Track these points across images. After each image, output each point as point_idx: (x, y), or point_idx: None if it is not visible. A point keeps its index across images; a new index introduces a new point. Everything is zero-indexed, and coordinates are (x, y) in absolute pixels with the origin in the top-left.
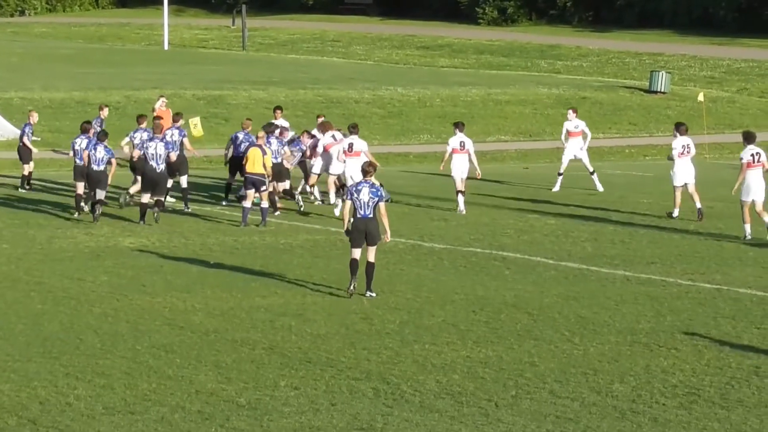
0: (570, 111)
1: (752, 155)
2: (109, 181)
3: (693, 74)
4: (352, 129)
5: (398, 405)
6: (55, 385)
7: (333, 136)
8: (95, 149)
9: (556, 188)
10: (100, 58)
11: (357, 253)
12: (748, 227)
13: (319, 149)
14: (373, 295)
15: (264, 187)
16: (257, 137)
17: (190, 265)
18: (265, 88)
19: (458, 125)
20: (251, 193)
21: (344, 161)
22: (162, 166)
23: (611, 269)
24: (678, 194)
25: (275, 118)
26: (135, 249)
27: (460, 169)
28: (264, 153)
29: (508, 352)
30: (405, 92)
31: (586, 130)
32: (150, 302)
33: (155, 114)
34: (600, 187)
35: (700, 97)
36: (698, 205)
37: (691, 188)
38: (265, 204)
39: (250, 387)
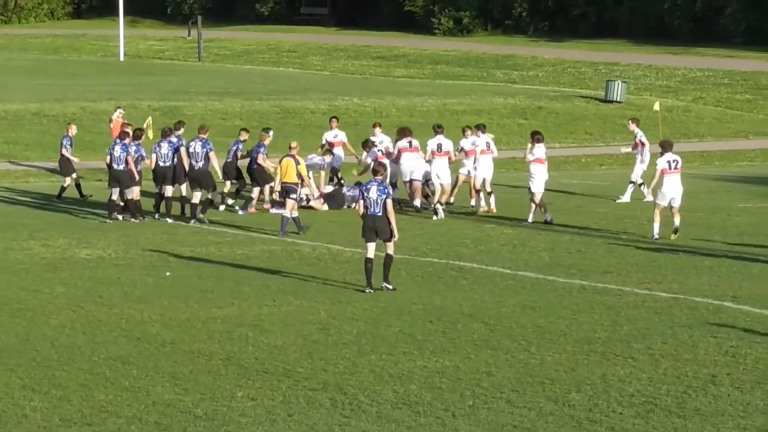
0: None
1: (668, 162)
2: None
3: (649, 83)
4: (438, 129)
5: (355, 415)
6: (11, 397)
7: (409, 142)
8: (125, 149)
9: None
10: (56, 69)
11: (371, 249)
12: (657, 227)
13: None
14: (390, 287)
15: (294, 195)
16: (290, 147)
17: (146, 276)
18: (221, 98)
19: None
20: (291, 201)
21: (429, 161)
22: (200, 164)
23: (568, 279)
24: (658, 213)
25: (331, 128)
26: (92, 260)
27: (440, 173)
28: (297, 163)
29: (465, 362)
30: (361, 102)
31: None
32: (107, 314)
33: (112, 125)
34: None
35: (656, 107)
36: (677, 223)
37: (676, 208)
38: (294, 213)
39: (207, 398)
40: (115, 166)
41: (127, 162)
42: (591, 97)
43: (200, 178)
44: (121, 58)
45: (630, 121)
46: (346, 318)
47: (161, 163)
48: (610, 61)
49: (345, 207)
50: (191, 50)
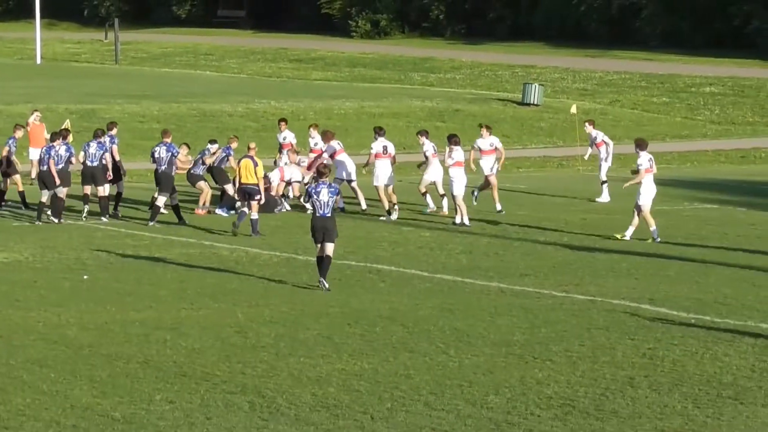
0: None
1: (650, 160)
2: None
3: (566, 86)
4: (380, 131)
5: (274, 418)
6: None
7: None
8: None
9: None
10: None
11: (328, 248)
12: (654, 227)
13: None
14: (326, 285)
15: (258, 197)
16: (248, 148)
17: (63, 279)
18: (139, 101)
19: (378, 130)
20: (254, 203)
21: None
22: (164, 167)
23: (486, 281)
24: (645, 215)
25: (280, 130)
26: (8, 263)
27: (384, 175)
28: (256, 164)
29: (384, 364)
30: (278, 105)
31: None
32: (23, 317)
33: (29, 128)
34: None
35: (573, 109)
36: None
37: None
38: (254, 215)
39: (125, 401)
40: (41, 168)
41: (57, 163)
42: (508, 100)
43: (162, 181)
44: (38, 61)
45: (587, 123)
46: (264, 321)
47: (89, 163)
48: (527, 63)
49: (275, 211)
50: (108, 53)
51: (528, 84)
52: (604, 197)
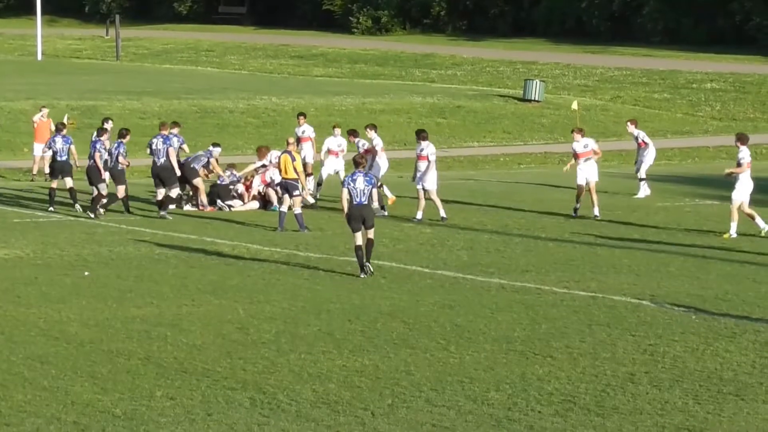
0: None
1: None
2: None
3: (567, 82)
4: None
5: (274, 415)
6: None
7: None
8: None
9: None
10: None
11: (360, 237)
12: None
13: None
14: (370, 267)
15: (297, 192)
16: (287, 143)
17: (65, 276)
18: (139, 98)
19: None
20: (287, 197)
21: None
22: (162, 160)
23: (486, 277)
24: (735, 209)
25: (299, 124)
26: (9, 260)
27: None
28: (293, 159)
29: (384, 360)
30: (279, 102)
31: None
32: (25, 313)
33: (36, 125)
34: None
35: (574, 106)
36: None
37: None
38: (297, 210)
39: (126, 397)
40: (58, 158)
41: (69, 153)
42: (509, 96)
43: (161, 174)
44: (39, 57)
45: (629, 123)
46: (265, 317)
47: (58, 158)
48: (529, 60)
49: (271, 209)
50: (109, 49)
51: (529, 80)
52: (642, 192)
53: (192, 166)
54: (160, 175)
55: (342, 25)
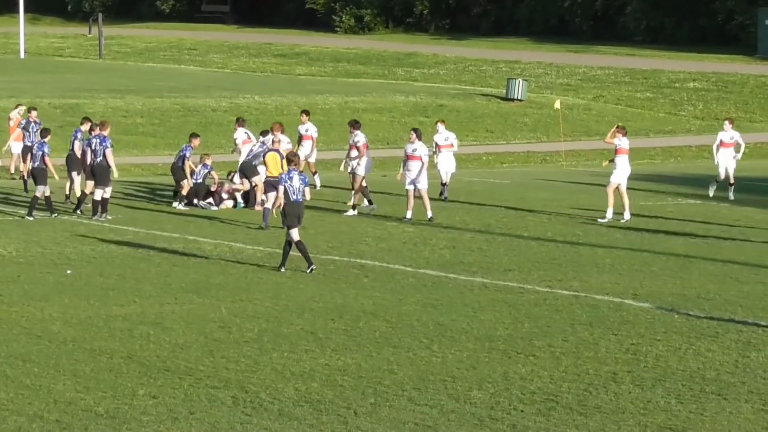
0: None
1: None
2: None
3: (549, 82)
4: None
5: (257, 413)
6: None
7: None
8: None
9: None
10: None
11: (296, 233)
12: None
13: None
14: (314, 267)
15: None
16: (273, 142)
17: (47, 274)
18: (122, 96)
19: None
20: (272, 195)
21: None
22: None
23: (469, 276)
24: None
25: (302, 122)
26: None
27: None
28: (282, 157)
29: (367, 359)
30: (262, 100)
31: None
32: (7, 311)
33: (12, 123)
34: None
35: (557, 105)
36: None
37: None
38: (268, 204)
39: (108, 396)
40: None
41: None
42: (492, 95)
43: (99, 174)
44: (22, 55)
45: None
46: (248, 316)
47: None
48: (511, 59)
49: (254, 207)
50: (92, 48)
51: (512, 79)
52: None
53: (178, 165)
54: (95, 172)
55: (325, 24)
